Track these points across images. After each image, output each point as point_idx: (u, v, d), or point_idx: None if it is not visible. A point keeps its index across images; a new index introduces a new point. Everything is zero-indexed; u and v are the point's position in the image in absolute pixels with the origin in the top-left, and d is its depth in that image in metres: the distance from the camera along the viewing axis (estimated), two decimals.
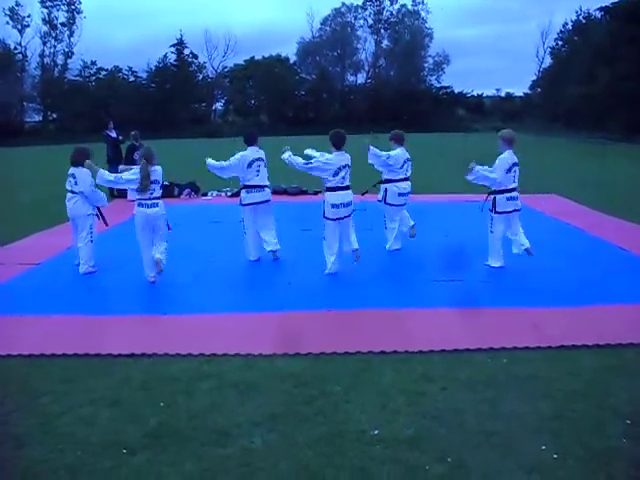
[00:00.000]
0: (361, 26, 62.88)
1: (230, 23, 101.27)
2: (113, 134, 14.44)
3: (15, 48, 51.17)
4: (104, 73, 54.56)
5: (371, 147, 7.64)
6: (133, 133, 13.88)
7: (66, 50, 53.62)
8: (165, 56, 56.23)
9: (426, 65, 62.56)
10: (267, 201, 7.66)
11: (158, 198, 6.67)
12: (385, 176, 7.96)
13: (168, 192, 12.01)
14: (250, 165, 7.46)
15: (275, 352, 4.73)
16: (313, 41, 62.60)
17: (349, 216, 6.91)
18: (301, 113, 58.41)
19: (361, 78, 63.35)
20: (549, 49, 56.42)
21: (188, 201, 13.45)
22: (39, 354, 4.76)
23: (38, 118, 53.45)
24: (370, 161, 7.85)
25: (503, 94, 63.49)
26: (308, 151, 7.53)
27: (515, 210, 7.06)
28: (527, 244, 7.04)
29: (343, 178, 6.80)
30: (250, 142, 7.64)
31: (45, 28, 52.47)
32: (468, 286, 6.50)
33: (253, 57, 59.03)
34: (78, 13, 53.44)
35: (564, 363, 4.48)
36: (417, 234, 8.12)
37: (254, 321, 5.50)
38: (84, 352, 4.77)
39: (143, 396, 4.09)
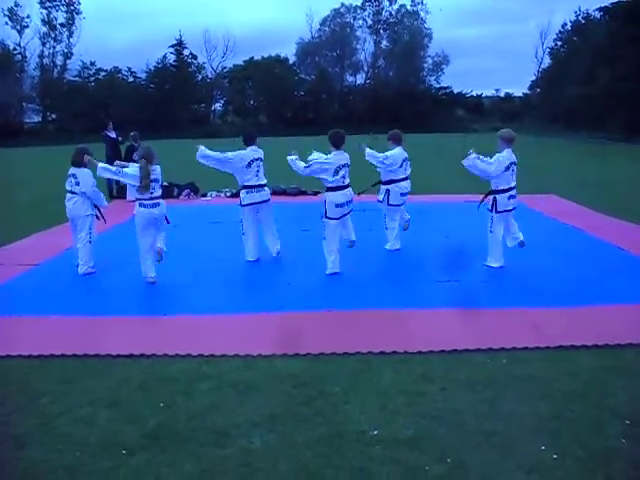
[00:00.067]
0: (360, 26, 63.10)
1: (229, 23, 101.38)
2: (112, 135, 14.43)
3: (14, 49, 51.34)
4: (103, 74, 54.64)
5: (367, 149, 7.73)
6: (132, 134, 13.86)
7: (65, 51, 53.78)
8: (164, 56, 56.43)
9: (425, 65, 62.73)
10: (267, 201, 7.68)
11: (159, 197, 6.68)
12: (387, 177, 7.97)
13: (167, 193, 11.98)
14: (249, 165, 7.46)
15: (274, 352, 4.72)
16: (312, 41, 62.64)
17: (348, 213, 6.99)
18: (300, 113, 58.42)
19: (360, 78, 63.55)
20: (548, 49, 56.57)
21: (187, 202, 13.45)
22: (38, 355, 4.75)
23: (37, 119, 53.55)
24: (367, 158, 7.88)
25: (502, 94, 63.64)
26: (314, 155, 7.34)
27: (513, 208, 7.11)
28: (521, 237, 7.15)
29: (343, 177, 6.81)
30: (249, 142, 7.63)
31: (44, 29, 52.67)
32: (467, 286, 6.50)
33: (252, 57, 59.18)
34: (77, 14, 53.60)
35: (563, 363, 4.48)
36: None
37: (253, 321, 5.49)
38: (83, 353, 4.77)
39: (142, 397, 4.09)
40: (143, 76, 55.82)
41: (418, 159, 10.79)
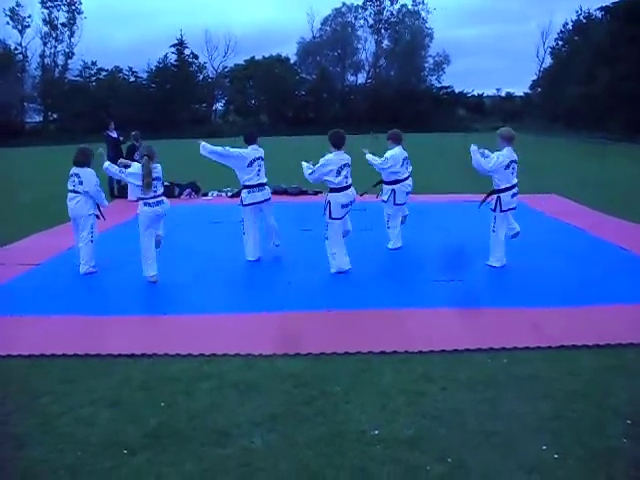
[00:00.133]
0: (361, 26, 63.08)
1: (230, 23, 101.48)
2: (114, 134, 14.44)
3: (15, 49, 51.26)
4: (104, 73, 54.59)
5: (368, 154, 7.90)
6: (134, 133, 13.88)
7: (66, 50, 53.73)
8: (165, 56, 56.38)
9: (426, 65, 62.72)
10: (268, 199, 7.70)
11: (162, 195, 6.73)
12: (391, 178, 7.97)
13: (169, 192, 11.97)
14: (251, 164, 7.46)
15: (275, 352, 4.72)
16: (313, 41, 62.64)
17: (349, 211, 7.05)
18: (301, 113, 58.43)
19: (361, 78, 63.53)
20: (549, 49, 56.55)
21: (188, 201, 13.45)
22: (39, 354, 4.76)
23: (39, 118, 53.54)
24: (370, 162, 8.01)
25: (503, 94, 63.62)
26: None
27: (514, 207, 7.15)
28: (517, 227, 7.24)
29: (346, 177, 6.82)
30: (250, 141, 7.64)
31: (45, 28, 52.64)
32: (468, 286, 6.50)
33: (253, 57, 59.17)
34: (78, 13, 53.56)
35: (564, 363, 4.48)
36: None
37: (254, 321, 5.50)
38: (84, 352, 4.77)
39: (143, 396, 4.09)
40: (144, 76, 55.87)
41: (419, 159, 10.79)
